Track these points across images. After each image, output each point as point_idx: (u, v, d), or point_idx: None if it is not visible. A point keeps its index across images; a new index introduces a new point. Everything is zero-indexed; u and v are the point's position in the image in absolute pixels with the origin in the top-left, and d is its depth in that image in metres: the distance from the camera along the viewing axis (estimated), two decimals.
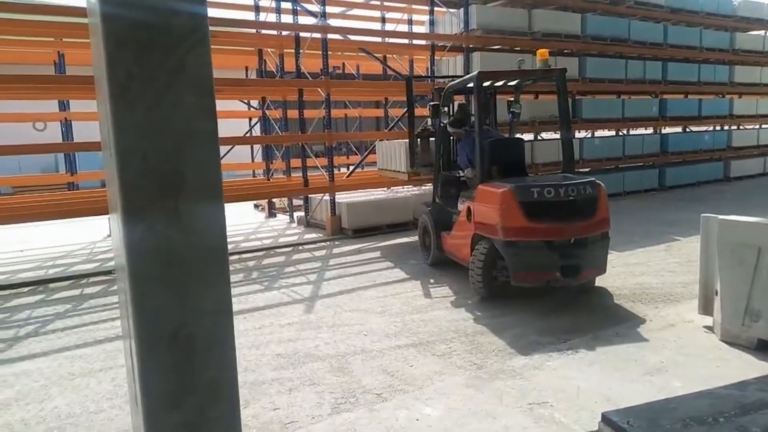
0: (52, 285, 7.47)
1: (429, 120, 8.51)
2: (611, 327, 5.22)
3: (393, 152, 9.83)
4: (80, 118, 12.91)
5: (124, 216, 1.83)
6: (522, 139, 8.03)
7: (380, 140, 11.14)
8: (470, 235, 6.31)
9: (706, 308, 5.08)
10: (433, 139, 8.30)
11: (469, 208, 6.39)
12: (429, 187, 9.41)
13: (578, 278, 5.81)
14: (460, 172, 7.67)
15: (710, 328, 4.94)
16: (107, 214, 9.67)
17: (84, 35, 9.58)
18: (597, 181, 5.93)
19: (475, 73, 6.66)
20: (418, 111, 12.05)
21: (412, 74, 11.31)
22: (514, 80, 7.40)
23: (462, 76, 8.83)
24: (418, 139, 8.47)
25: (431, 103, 8.13)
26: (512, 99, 7.81)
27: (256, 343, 5.13)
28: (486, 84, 7.24)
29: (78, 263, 8.69)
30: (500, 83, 7.33)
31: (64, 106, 12.78)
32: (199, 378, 1.85)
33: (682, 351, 4.58)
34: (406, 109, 10.56)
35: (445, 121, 7.67)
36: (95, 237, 10.59)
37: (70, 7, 10.00)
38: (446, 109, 7.55)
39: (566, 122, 6.83)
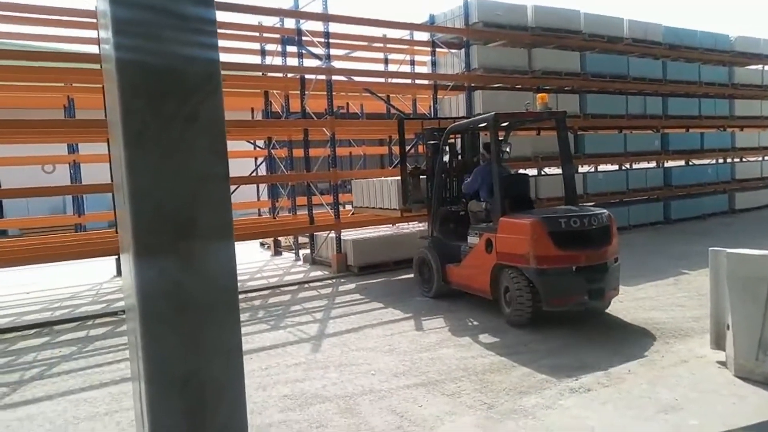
0: (57, 327, 7.45)
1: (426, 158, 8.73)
2: (623, 363, 5.15)
3: (377, 190, 10.10)
4: (89, 161, 13.11)
5: (136, 258, 1.85)
6: (527, 175, 8.52)
7: (355, 179, 11.40)
8: (491, 265, 6.63)
9: (718, 343, 5.01)
10: (424, 177, 8.62)
11: (489, 240, 6.67)
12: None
13: (603, 300, 6.38)
14: (453, 207, 8.14)
15: (723, 364, 4.86)
16: (114, 255, 9.71)
17: (93, 80, 9.81)
18: (608, 212, 6.53)
19: (491, 114, 7.00)
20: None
21: (403, 115, 11.53)
22: (525, 121, 7.93)
23: (454, 118, 9.28)
24: (410, 177, 8.75)
25: (430, 142, 8.36)
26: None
27: (263, 384, 5.08)
28: (482, 125, 7.67)
29: (84, 304, 8.67)
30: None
31: (73, 149, 12.98)
32: (209, 425, 1.83)
33: (696, 387, 4.50)
34: (409, 147, 10.75)
35: (446, 159, 8.08)
36: (101, 278, 10.60)
37: (81, 54, 10.29)
38: (447, 147, 8.02)
39: (567, 158, 7.33)
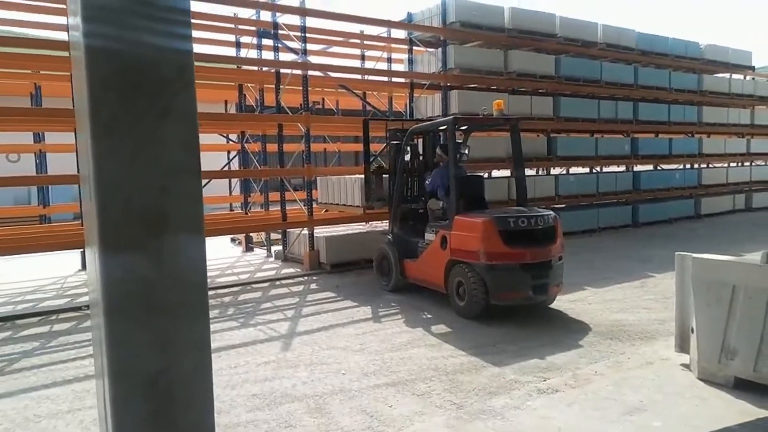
0: (20, 321, 7.23)
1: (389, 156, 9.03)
2: (589, 365, 5.22)
3: (341, 187, 10.46)
4: (55, 150, 12.75)
5: (102, 253, 1.79)
6: (482, 176, 9.07)
7: (322, 176, 11.47)
8: (445, 260, 6.98)
9: (682, 346, 5.12)
10: (386, 175, 8.98)
11: (444, 237, 6.99)
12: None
13: (546, 295, 6.77)
14: (413, 205, 8.50)
15: (687, 366, 4.97)
16: (80, 248, 9.48)
17: (61, 68, 9.54)
18: (554, 213, 6.98)
19: (450, 117, 7.39)
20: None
21: (368, 116, 11.59)
22: (484, 125, 8.49)
23: (417, 120, 10.02)
24: (373, 176, 9.12)
25: (393, 142, 8.67)
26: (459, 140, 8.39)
27: (231, 383, 5.01)
28: (442, 128, 7.96)
29: (48, 298, 8.44)
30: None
31: (39, 137, 12.61)
32: (177, 426, 1.78)
33: (660, 390, 4.59)
34: (384, 145, 10.76)
35: (407, 159, 8.51)
36: (66, 271, 10.33)
37: (49, 40, 9.98)
38: (408, 147, 8.42)
39: (519, 161, 7.79)
